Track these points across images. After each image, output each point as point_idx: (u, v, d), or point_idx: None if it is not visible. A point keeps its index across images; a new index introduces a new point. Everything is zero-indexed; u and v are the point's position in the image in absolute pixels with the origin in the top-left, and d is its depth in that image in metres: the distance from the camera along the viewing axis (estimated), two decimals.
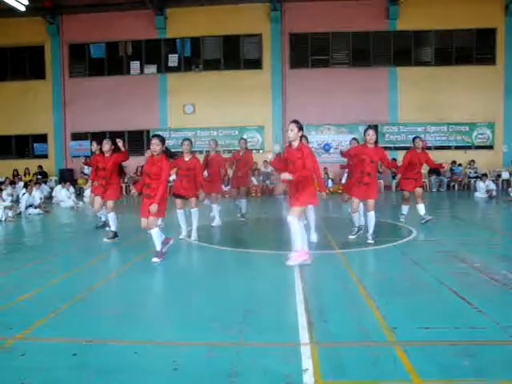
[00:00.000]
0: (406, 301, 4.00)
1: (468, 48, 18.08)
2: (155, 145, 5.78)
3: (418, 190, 8.66)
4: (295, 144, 5.43)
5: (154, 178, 5.74)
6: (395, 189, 16.23)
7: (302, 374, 2.65)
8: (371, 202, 6.80)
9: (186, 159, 7.34)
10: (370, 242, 6.73)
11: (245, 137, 18.51)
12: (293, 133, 5.34)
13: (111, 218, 7.42)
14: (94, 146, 8.36)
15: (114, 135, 18.40)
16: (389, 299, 4.03)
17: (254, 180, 17.10)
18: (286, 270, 5.17)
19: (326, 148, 18.12)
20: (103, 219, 8.46)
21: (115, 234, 7.39)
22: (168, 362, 2.85)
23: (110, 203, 7.52)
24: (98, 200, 7.77)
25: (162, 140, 5.87)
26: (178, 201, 7.34)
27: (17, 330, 3.41)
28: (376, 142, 6.97)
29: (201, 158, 8.32)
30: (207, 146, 9.19)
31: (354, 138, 8.65)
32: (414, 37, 18.07)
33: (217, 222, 8.88)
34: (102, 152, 7.73)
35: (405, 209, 8.83)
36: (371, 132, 6.87)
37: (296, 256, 5.30)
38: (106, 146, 7.56)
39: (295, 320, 3.53)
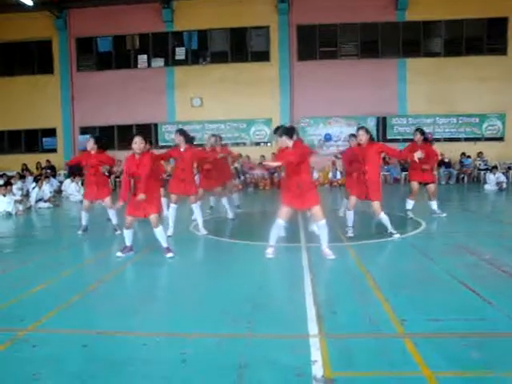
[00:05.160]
0: (416, 293, 3.98)
1: (478, 38, 17.77)
2: (139, 143, 5.51)
3: (431, 187, 8.32)
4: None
5: (145, 177, 5.52)
6: (404, 181, 16.13)
7: (311, 365, 2.65)
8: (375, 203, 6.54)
9: (182, 149, 7.04)
10: (351, 235, 6.61)
11: (253, 129, 18.59)
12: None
13: (112, 213, 7.44)
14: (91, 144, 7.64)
15: (121, 129, 18.69)
16: (398, 291, 4.01)
17: (258, 173, 17.03)
18: (295, 263, 5.17)
19: (327, 137, 17.96)
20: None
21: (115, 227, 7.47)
22: (177, 353, 2.87)
23: (108, 200, 7.46)
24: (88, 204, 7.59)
25: (145, 139, 5.68)
26: (174, 196, 7.15)
27: (28, 322, 3.45)
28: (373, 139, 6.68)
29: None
30: (208, 140, 8.85)
31: (353, 135, 8.44)
32: (424, 27, 17.81)
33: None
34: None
35: (409, 204, 8.30)
36: (361, 132, 6.53)
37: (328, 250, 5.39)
38: (90, 144, 7.38)
39: (304, 312, 3.53)
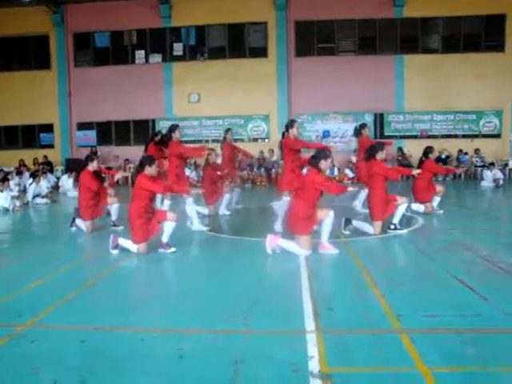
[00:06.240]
0: (412, 289, 4.00)
1: (476, 35, 17.75)
2: None
3: (441, 187, 8.52)
4: None
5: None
6: (401, 178, 16.16)
7: (307, 361, 2.67)
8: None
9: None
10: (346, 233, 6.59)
11: (250, 126, 18.58)
12: None
13: (115, 208, 7.44)
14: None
15: (119, 124, 18.66)
16: (394, 287, 4.03)
17: (254, 169, 17.06)
18: (292, 259, 5.19)
19: (325, 134, 17.98)
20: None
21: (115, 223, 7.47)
22: (174, 349, 2.88)
23: (111, 200, 7.47)
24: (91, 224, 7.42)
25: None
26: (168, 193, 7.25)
27: (26, 318, 3.46)
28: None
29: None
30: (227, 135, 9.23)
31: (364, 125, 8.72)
32: (421, 24, 17.77)
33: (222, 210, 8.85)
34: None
35: (416, 205, 8.36)
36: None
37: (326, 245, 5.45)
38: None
39: (301, 308, 3.55)
